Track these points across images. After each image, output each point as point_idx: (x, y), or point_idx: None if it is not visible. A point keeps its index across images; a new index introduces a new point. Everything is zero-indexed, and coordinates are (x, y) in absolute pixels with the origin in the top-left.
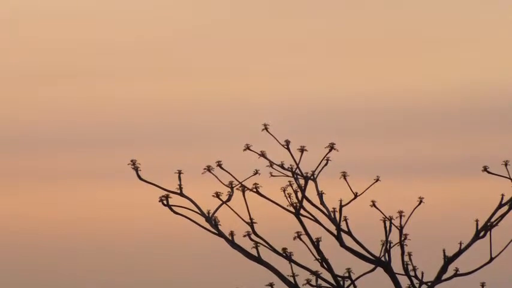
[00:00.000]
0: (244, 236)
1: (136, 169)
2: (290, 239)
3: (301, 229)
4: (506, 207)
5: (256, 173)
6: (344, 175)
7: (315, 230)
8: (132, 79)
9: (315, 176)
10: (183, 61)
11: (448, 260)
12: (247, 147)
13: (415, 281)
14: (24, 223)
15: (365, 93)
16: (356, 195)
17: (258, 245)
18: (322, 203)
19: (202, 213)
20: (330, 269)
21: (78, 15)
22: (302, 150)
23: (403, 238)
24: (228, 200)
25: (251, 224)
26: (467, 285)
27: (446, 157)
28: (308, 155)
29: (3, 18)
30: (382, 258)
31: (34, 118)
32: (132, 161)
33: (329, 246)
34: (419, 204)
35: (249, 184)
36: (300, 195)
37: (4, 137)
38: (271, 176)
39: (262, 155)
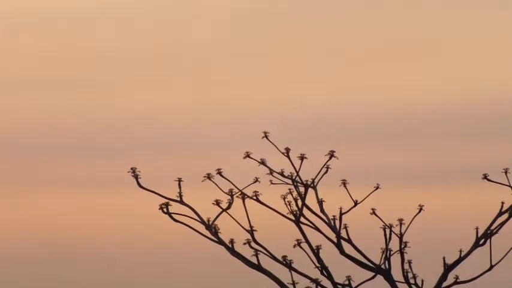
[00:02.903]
0: (244, 243)
1: (136, 177)
2: (290, 247)
3: (301, 237)
4: (506, 215)
5: (256, 180)
6: (344, 183)
7: (315, 237)
8: (132, 87)
9: (315, 183)
10: (183, 70)
11: (448, 268)
12: (247, 155)
13: None
14: (23, 230)
15: (365, 101)
16: (356, 203)
17: (258, 252)
18: (322, 210)
19: (202, 221)
20: (330, 277)
21: (78, 23)
22: (302, 157)
23: (403, 246)
24: (228, 207)
25: (251, 231)
26: None
27: (446, 165)
28: (308, 163)
29: (3, 24)
30: (382, 266)
31: (34, 125)
32: (132, 168)
33: (329, 254)
34: (419, 211)
35: (249, 192)
36: (300, 203)
37: (4, 144)
38: (271, 183)
39: (262, 162)
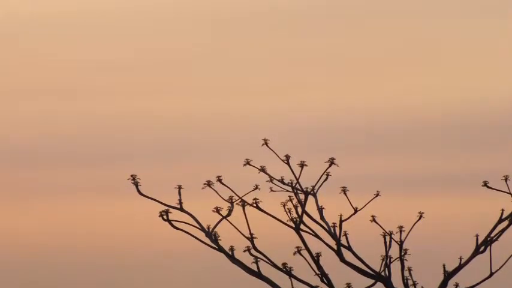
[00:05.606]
0: (244, 251)
1: (136, 184)
2: (290, 254)
3: (301, 244)
4: (506, 222)
5: (256, 188)
6: (344, 190)
7: (315, 245)
8: (132, 95)
9: (315, 191)
10: (183, 77)
11: (448, 275)
12: (247, 162)
13: None
14: (24, 237)
15: (365, 109)
16: (356, 210)
17: (258, 260)
18: (322, 218)
19: (202, 228)
20: (330, 284)
21: (78, 29)
22: (302, 165)
23: (403, 253)
24: (228, 215)
25: (251, 239)
26: None
27: (446, 172)
28: (308, 170)
29: (3, 33)
30: (382, 273)
31: (34, 133)
32: (132, 176)
33: (329, 261)
34: (419, 219)
35: (249, 199)
36: (300, 210)
37: (4, 151)
38: (271, 191)
39: (262, 170)
